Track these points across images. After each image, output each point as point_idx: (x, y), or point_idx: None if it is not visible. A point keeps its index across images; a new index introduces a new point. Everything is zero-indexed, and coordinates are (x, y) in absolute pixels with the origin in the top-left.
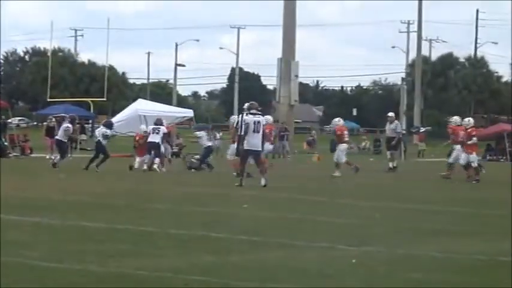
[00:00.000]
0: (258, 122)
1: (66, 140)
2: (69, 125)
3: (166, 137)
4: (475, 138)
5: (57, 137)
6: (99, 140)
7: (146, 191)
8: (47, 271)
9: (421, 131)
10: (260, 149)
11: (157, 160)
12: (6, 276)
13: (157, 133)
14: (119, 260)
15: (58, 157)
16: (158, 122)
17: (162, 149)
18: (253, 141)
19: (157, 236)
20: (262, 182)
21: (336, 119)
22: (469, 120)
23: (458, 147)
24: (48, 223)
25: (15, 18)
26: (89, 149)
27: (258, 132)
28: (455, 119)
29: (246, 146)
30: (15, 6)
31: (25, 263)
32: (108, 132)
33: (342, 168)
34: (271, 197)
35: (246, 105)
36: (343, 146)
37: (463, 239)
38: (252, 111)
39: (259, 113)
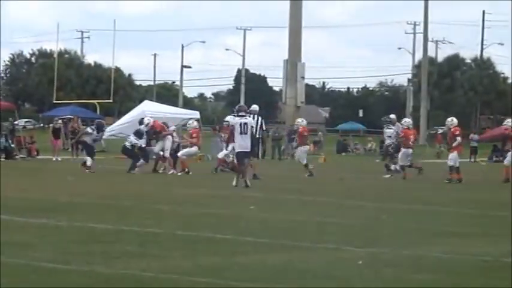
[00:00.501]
0: (245, 123)
1: (90, 143)
2: (90, 131)
3: (153, 134)
4: (459, 138)
5: (83, 140)
6: (125, 145)
7: (152, 193)
8: (53, 272)
9: (439, 132)
10: (249, 150)
11: (140, 162)
12: (13, 277)
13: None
14: (125, 261)
15: (89, 159)
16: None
17: (157, 148)
18: (242, 143)
19: (163, 237)
20: (234, 182)
21: (299, 120)
22: (452, 120)
23: (405, 150)
24: (55, 224)
25: (22, 20)
26: (95, 150)
27: (246, 133)
28: (407, 121)
29: (237, 148)
30: (21, 8)
31: (31, 264)
32: (138, 142)
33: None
34: (278, 199)
35: (236, 107)
36: (305, 148)
37: (468, 240)
38: (240, 114)
39: (247, 114)
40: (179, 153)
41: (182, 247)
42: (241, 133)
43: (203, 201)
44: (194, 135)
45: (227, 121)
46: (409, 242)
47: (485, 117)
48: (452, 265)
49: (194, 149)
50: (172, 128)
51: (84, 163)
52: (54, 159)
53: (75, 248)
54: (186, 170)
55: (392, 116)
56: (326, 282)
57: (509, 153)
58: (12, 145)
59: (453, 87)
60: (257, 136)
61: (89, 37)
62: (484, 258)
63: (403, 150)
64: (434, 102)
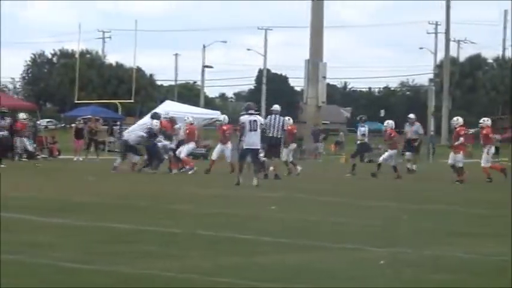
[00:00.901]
0: (255, 121)
1: (134, 145)
2: (144, 135)
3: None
4: (461, 139)
5: (125, 139)
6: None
7: (171, 192)
8: (76, 272)
9: (470, 132)
10: (258, 147)
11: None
12: (36, 277)
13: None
14: (147, 261)
15: (137, 157)
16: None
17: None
18: (251, 140)
19: (183, 237)
20: (254, 182)
21: (286, 118)
22: (458, 120)
23: (392, 152)
24: (76, 224)
25: (43, 19)
26: (117, 150)
27: (255, 130)
28: (389, 122)
29: (244, 145)
30: (43, 8)
31: (54, 264)
32: (167, 143)
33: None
34: (299, 199)
35: (245, 105)
36: (292, 146)
37: (487, 240)
38: (249, 111)
39: (256, 112)
40: (182, 155)
41: (203, 247)
42: (250, 130)
43: (223, 200)
44: (188, 131)
45: (220, 121)
46: (427, 242)
47: (507, 117)
48: (473, 265)
49: (191, 145)
50: (177, 126)
51: (135, 164)
52: (75, 159)
53: (98, 248)
54: (187, 167)
55: (412, 115)
56: (346, 282)
57: (485, 151)
58: (34, 145)
59: (475, 87)
60: (279, 136)
61: (110, 37)
62: (503, 258)
63: (390, 151)
64: (456, 102)
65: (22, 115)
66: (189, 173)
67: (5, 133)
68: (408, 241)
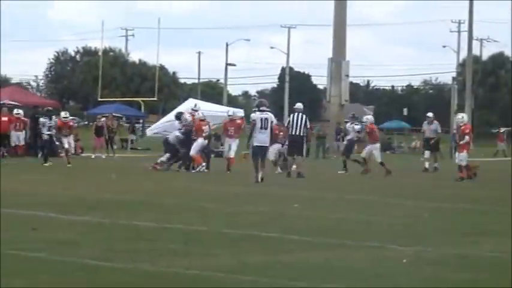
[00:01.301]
0: (266, 118)
1: (173, 143)
2: (181, 135)
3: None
4: (467, 137)
5: (168, 137)
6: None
7: (195, 190)
8: (98, 270)
9: (501, 131)
10: (267, 144)
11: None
12: (59, 275)
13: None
14: (168, 259)
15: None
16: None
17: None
18: (261, 138)
19: (207, 235)
20: (260, 175)
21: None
22: (463, 117)
23: (372, 144)
24: (99, 222)
25: (66, 17)
26: (139, 148)
27: (266, 128)
28: (369, 118)
29: (255, 143)
30: (66, 6)
31: (77, 261)
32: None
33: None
34: (322, 197)
35: (256, 102)
36: (277, 145)
37: (509, 239)
38: (261, 108)
39: (268, 109)
40: (192, 152)
41: (226, 245)
42: (261, 128)
43: (246, 198)
44: (195, 128)
45: (230, 115)
46: (450, 241)
47: None
48: (496, 264)
49: (200, 141)
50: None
51: (157, 163)
52: (93, 156)
53: (119, 246)
54: (200, 167)
55: (430, 114)
56: (370, 280)
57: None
58: (57, 143)
59: (498, 86)
60: (301, 134)
61: (133, 35)
62: None
63: (372, 146)
64: (479, 100)
65: (63, 114)
66: (200, 170)
67: (53, 132)
68: (430, 239)
